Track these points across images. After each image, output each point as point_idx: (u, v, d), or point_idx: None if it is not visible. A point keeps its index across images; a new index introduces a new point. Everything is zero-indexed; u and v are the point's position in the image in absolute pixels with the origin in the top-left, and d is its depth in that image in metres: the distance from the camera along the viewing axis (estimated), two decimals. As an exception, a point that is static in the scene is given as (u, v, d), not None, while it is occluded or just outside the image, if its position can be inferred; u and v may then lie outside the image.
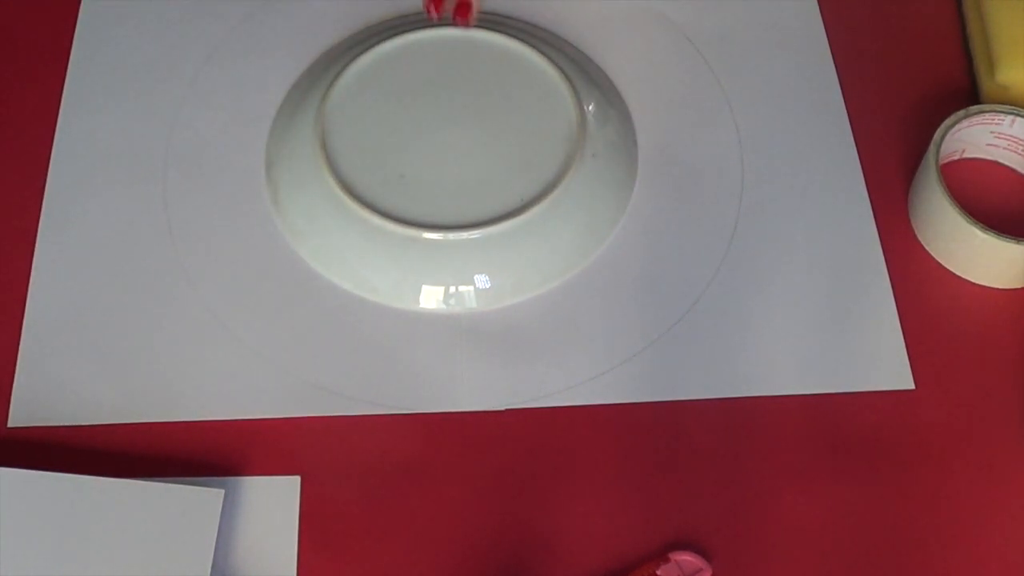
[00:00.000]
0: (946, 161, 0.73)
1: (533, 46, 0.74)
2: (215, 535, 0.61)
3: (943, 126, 0.70)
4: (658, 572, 0.61)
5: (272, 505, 0.63)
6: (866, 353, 0.68)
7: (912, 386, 0.67)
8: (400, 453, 0.65)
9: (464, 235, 0.68)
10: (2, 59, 0.79)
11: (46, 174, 0.74)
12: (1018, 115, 0.70)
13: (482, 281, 0.69)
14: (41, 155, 0.75)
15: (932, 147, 0.69)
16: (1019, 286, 0.70)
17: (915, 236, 0.72)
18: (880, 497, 0.64)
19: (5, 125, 0.76)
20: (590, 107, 0.73)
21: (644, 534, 0.63)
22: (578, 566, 0.62)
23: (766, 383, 0.67)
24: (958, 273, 0.70)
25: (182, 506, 0.61)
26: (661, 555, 0.61)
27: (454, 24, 0.73)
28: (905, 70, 0.78)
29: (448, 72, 0.74)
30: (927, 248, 0.71)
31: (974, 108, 0.71)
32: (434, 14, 0.72)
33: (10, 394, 0.67)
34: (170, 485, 0.62)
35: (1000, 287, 0.70)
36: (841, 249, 0.71)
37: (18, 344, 0.68)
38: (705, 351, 0.68)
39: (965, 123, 0.71)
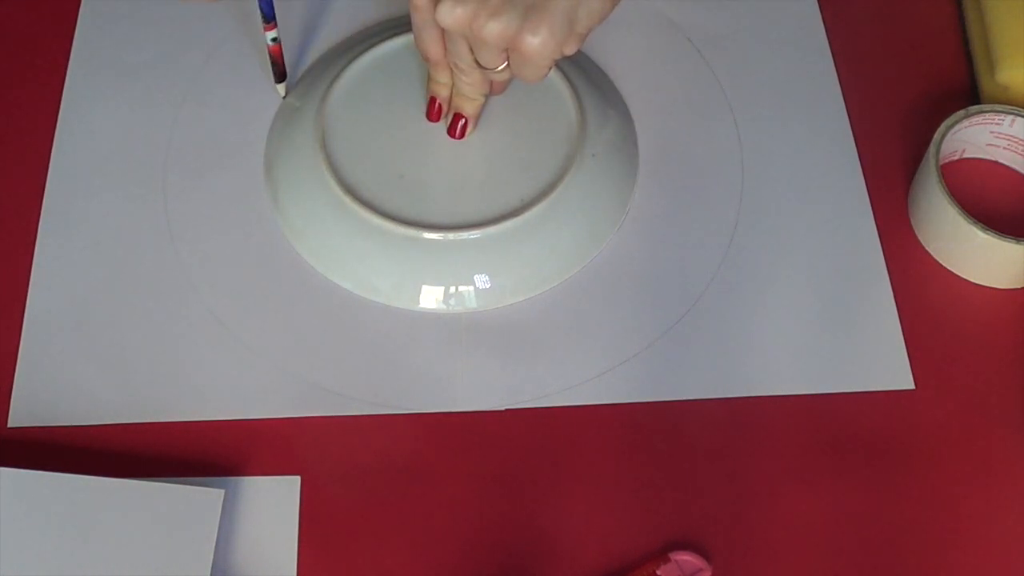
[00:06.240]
0: (946, 161, 0.73)
1: (533, 46, 0.74)
2: (215, 535, 0.61)
3: (943, 126, 0.70)
4: (658, 572, 0.61)
5: (272, 505, 0.63)
6: (866, 353, 0.68)
7: (912, 386, 0.67)
8: (400, 453, 0.65)
9: (464, 235, 0.68)
10: (2, 59, 0.79)
11: (46, 174, 0.74)
12: (1018, 115, 0.70)
13: (482, 281, 0.69)
14: (41, 155, 0.75)
15: (932, 147, 0.69)
16: (1019, 286, 0.70)
17: (915, 236, 0.72)
18: (880, 497, 0.64)
19: (5, 125, 0.76)
20: (590, 107, 0.73)
21: (644, 534, 0.63)
22: (578, 566, 0.62)
23: (766, 383, 0.67)
24: (958, 273, 0.70)
25: (182, 506, 0.61)
26: (661, 555, 0.61)
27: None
28: (905, 70, 0.78)
29: (448, 72, 0.74)
30: (927, 248, 0.71)
31: (974, 108, 0.71)
32: (433, 119, 0.72)
33: (10, 394, 0.67)
34: (170, 485, 0.62)
35: (1000, 287, 0.70)
36: (841, 249, 0.71)
37: (18, 344, 0.68)
38: (705, 351, 0.68)
39: (965, 123, 0.71)
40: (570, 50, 0.62)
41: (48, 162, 0.74)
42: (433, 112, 0.71)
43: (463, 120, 0.71)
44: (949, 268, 0.70)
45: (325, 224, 0.70)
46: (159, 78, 0.78)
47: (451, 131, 0.71)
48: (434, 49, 0.67)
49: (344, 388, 0.67)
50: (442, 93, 0.71)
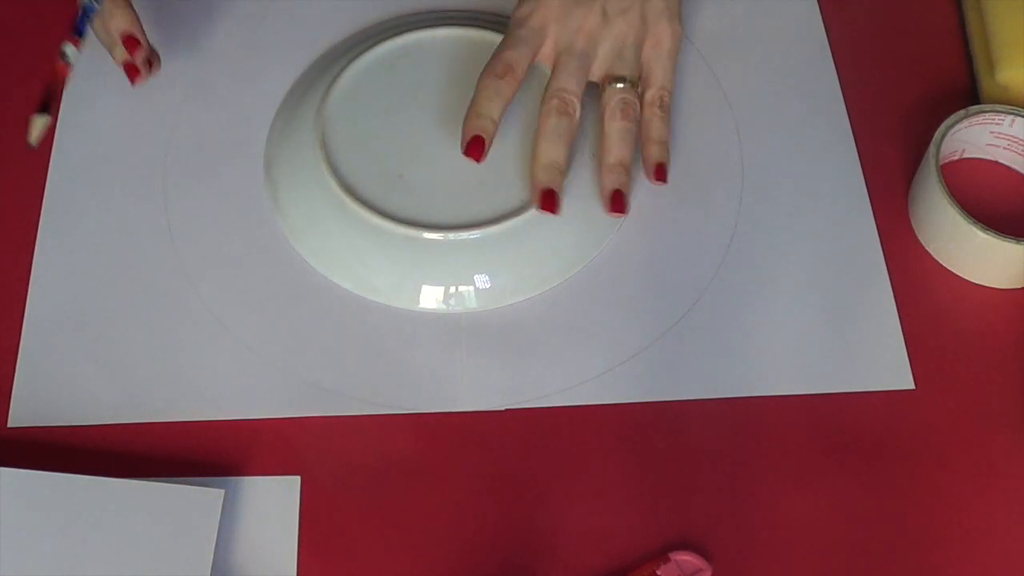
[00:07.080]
0: (946, 161, 0.73)
1: (533, 46, 0.74)
2: (215, 535, 0.61)
3: (943, 126, 0.70)
4: (658, 572, 0.61)
5: (272, 505, 0.63)
6: (866, 353, 0.68)
7: (912, 386, 0.67)
8: (400, 453, 0.65)
9: (464, 235, 0.68)
10: (2, 59, 0.79)
11: (46, 174, 0.74)
12: (1018, 115, 0.70)
13: (482, 281, 0.69)
14: (41, 155, 0.75)
15: (932, 147, 0.69)
16: (1019, 286, 0.70)
17: (915, 236, 0.72)
18: (880, 497, 0.64)
19: (5, 125, 0.76)
20: (590, 107, 0.73)
21: (644, 534, 0.63)
22: (578, 566, 0.62)
23: (766, 383, 0.67)
24: (958, 273, 0.70)
25: (182, 506, 0.61)
26: (661, 555, 0.61)
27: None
28: (905, 70, 0.78)
29: (448, 72, 0.74)
30: (927, 248, 0.71)
31: (974, 108, 0.71)
32: (475, 158, 0.68)
33: (10, 394, 0.67)
34: (170, 485, 0.62)
35: (1000, 287, 0.70)
36: (841, 249, 0.71)
37: (18, 344, 0.68)
38: (705, 351, 0.68)
39: (965, 123, 0.71)
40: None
41: (48, 162, 0.74)
42: (475, 150, 0.67)
43: (484, 142, 0.67)
44: (949, 268, 0.70)
45: (325, 224, 0.70)
46: (159, 78, 0.77)
47: (469, 153, 0.68)
48: (524, 65, 0.70)
49: (344, 388, 0.67)
50: (489, 130, 0.67)
